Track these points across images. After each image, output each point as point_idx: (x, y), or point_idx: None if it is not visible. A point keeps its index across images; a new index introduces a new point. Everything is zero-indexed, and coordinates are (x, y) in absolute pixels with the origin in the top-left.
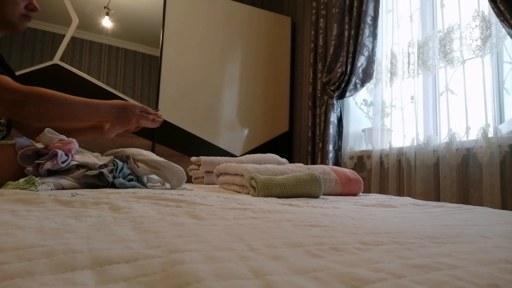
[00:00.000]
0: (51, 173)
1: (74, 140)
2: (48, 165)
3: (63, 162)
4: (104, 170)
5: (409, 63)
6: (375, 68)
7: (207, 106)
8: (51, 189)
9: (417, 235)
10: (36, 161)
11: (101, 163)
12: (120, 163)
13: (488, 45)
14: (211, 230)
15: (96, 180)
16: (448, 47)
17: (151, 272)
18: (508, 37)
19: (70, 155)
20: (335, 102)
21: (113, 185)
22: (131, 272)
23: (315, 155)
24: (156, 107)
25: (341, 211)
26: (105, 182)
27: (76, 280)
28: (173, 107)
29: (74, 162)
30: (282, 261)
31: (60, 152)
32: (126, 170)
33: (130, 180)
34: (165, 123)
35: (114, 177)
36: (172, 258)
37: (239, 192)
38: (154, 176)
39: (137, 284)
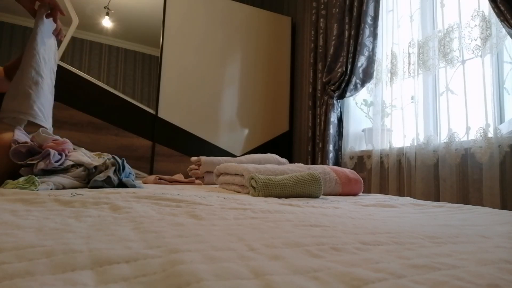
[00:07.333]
0: (46, 172)
1: (68, 141)
2: (41, 165)
3: (56, 162)
4: (111, 174)
5: (409, 63)
6: (375, 68)
7: (207, 106)
8: (51, 189)
9: (417, 235)
10: (27, 161)
11: (95, 163)
12: (120, 161)
13: (488, 45)
14: (211, 230)
15: (103, 184)
16: (448, 47)
17: (151, 272)
18: (508, 37)
19: (63, 155)
20: (335, 102)
21: (118, 185)
22: (131, 272)
23: (315, 155)
24: (156, 107)
25: (341, 211)
26: (111, 185)
27: (76, 280)
28: (173, 107)
29: (69, 162)
30: (282, 261)
31: (53, 151)
32: (127, 169)
33: (127, 176)
34: (165, 123)
35: (120, 179)
36: (172, 258)
37: (239, 192)
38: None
39: (137, 284)
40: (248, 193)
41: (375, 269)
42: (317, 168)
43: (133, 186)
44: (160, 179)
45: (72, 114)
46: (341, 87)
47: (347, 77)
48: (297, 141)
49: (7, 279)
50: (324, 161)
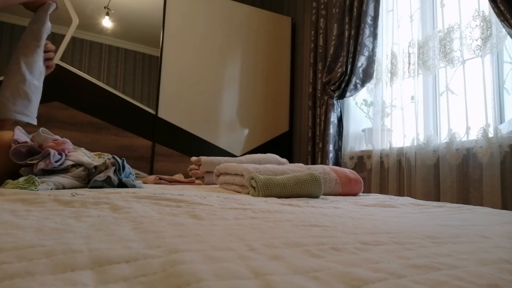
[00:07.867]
0: (46, 172)
1: (68, 141)
2: (41, 165)
3: (56, 162)
4: (111, 174)
5: (409, 63)
6: (375, 68)
7: (207, 106)
8: (51, 189)
9: (417, 235)
10: (27, 161)
11: (95, 163)
12: (120, 161)
13: (488, 45)
14: (211, 230)
15: (103, 184)
16: (448, 47)
17: (151, 272)
18: (508, 37)
19: (63, 155)
20: (335, 102)
21: (118, 185)
22: (131, 272)
23: (315, 155)
24: (156, 107)
25: (341, 211)
26: (111, 185)
27: (76, 280)
28: (173, 107)
29: (69, 162)
30: (282, 261)
31: (52, 151)
32: (127, 169)
33: (127, 176)
34: (165, 123)
35: (120, 179)
36: (172, 258)
37: (239, 192)
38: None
39: (137, 284)
40: (248, 193)
41: (375, 269)
42: (317, 168)
43: (133, 186)
44: (160, 179)
45: (72, 114)
46: (341, 87)
47: (347, 77)
48: (297, 141)
49: (7, 279)
50: (324, 161)
